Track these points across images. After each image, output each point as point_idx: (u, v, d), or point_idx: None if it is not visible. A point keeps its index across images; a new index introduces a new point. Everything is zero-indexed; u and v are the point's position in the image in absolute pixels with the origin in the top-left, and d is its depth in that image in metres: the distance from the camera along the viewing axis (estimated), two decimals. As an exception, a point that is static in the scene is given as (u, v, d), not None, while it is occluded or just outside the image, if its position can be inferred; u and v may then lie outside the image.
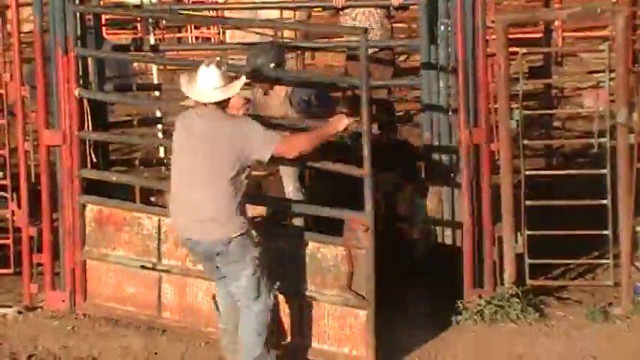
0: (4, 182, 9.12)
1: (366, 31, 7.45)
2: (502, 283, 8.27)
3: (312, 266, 7.41)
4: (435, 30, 8.58)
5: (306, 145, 7.08)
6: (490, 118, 8.38)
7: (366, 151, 7.15)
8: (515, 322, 8.04)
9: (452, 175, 8.54)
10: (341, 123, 7.13)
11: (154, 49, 10.11)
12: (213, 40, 15.21)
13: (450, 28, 8.41)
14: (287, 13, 13.58)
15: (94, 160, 8.57)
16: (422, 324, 8.10)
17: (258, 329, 6.99)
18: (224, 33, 14.48)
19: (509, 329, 7.97)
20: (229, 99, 7.11)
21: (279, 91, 8.53)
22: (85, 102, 8.44)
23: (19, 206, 8.76)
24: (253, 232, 7.01)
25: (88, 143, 8.53)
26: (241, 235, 6.88)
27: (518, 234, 8.33)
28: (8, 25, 9.53)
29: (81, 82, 8.60)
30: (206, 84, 6.95)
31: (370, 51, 10.79)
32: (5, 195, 8.98)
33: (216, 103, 6.98)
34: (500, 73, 8.25)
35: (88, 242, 8.30)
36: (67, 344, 7.85)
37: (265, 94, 8.56)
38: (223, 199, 6.88)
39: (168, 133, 10.97)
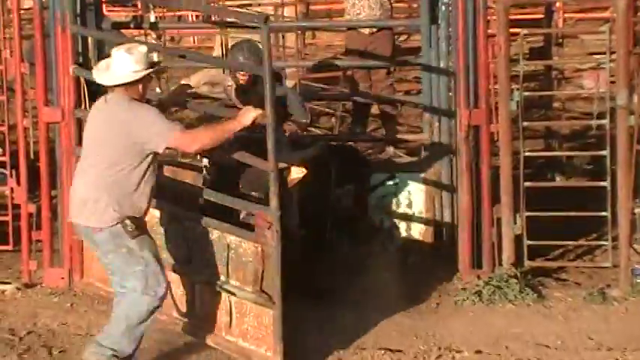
0: (3, 159, 9.14)
1: (267, 20, 7.01)
2: (500, 264, 8.31)
3: (235, 261, 7.10)
4: (435, 10, 8.59)
5: (206, 140, 6.78)
6: (490, 100, 8.39)
7: (270, 145, 6.75)
8: (514, 303, 8.06)
9: (451, 156, 8.56)
10: (248, 117, 6.82)
11: (153, 27, 10.10)
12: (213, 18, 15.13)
13: (450, 8, 8.43)
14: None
15: None
16: (420, 304, 8.12)
17: (130, 321, 6.68)
18: (224, 11, 14.43)
19: (507, 310, 7.99)
20: (138, 85, 6.78)
21: (260, 89, 7.98)
22: (82, 80, 8.42)
23: (18, 183, 8.77)
24: (128, 223, 6.61)
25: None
26: (114, 225, 6.61)
27: (517, 215, 8.35)
28: (8, 2, 9.52)
29: (80, 59, 8.60)
30: (116, 68, 6.76)
31: (368, 31, 10.88)
32: (4, 172, 8.99)
33: (124, 89, 6.75)
34: (501, 53, 8.26)
35: (84, 221, 8.29)
36: (65, 321, 7.86)
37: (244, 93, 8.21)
38: (106, 186, 6.66)
39: (169, 113, 10.99)
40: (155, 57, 7.34)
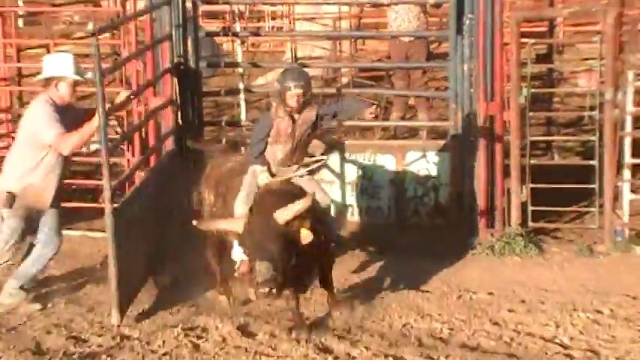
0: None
1: (93, 34, 6.57)
2: (509, 225, 8.28)
3: None
4: (461, 23, 8.55)
5: (74, 143, 6.55)
6: (503, 94, 8.35)
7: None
8: (519, 256, 8.05)
9: (472, 138, 8.54)
10: (96, 118, 6.41)
11: (235, 35, 10.16)
12: (284, 29, 15.17)
13: (473, 22, 8.39)
14: (344, 7, 13.52)
15: (180, 122, 8.55)
16: (444, 256, 8.11)
17: None
18: (294, 23, 14.44)
19: (514, 261, 7.99)
20: (53, 86, 6.62)
21: (308, 115, 6.67)
22: (174, 77, 8.46)
23: (132, 155, 8.88)
24: (6, 194, 6.56)
25: (178, 108, 8.56)
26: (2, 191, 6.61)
27: (523, 186, 8.33)
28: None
29: (182, 59, 8.67)
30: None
31: (408, 39, 10.84)
32: (123, 147, 9.10)
33: (45, 88, 6.66)
34: (513, 58, 8.22)
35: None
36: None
37: (292, 120, 6.61)
38: (12, 160, 6.66)
39: (249, 102, 11.04)
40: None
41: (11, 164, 6.65)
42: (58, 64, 6.65)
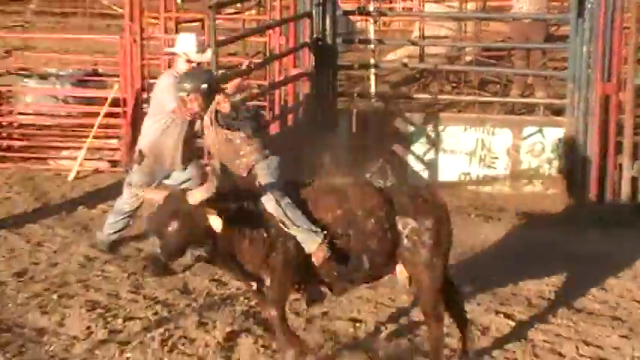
0: (264, 104, 9.58)
1: (210, 7, 6.55)
2: (620, 198, 8.25)
3: None
4: (582, 6, 8.50)
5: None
6: (620, 76, 8.28)
7: None
8: (628, 228, 7.95)
9: (587, 116, 8.51)
10: None
11: (369, 14, 10.34)
12: (414, 9, 15.21)
13: (594, 6, 8.34)
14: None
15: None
16: (555, 225, 8.04)
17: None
18: (423, 4, 14.46)
19: (622, 233, 7.85)
20: (177, 62, 6.78)
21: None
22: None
23: (272, 118, 9.16)
24: (136, 155, 6.82)
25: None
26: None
27: (635, 162, 8.28)
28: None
29: (320, 35, 8.92)
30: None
31: (528, 21, 10.80)
32: (264, 113, 9.42)
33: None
34: (632, 41, 8.15)
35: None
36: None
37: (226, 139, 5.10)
38: (146, 124, 6.89)
39: (378, 76, 11.19)
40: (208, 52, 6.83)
41: (144, 127, 7.01)
42: (180, 42, 6.92)
